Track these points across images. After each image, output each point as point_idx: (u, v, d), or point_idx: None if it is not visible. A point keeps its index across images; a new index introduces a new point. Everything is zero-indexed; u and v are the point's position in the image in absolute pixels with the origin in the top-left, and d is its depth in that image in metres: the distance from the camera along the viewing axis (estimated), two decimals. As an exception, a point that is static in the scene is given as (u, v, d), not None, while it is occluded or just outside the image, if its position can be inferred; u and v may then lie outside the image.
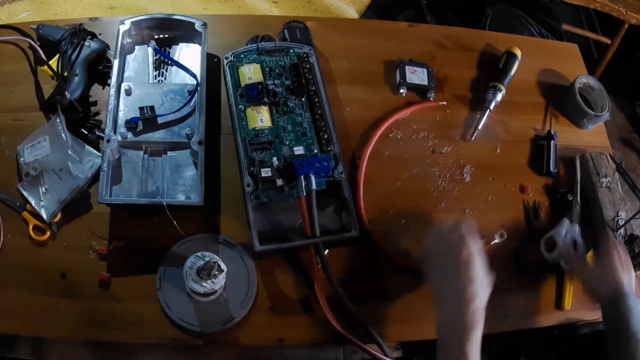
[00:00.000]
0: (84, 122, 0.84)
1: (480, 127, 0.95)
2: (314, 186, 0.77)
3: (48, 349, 0.73)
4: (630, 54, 1.84)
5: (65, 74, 0.85)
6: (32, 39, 0.88)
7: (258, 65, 0.87)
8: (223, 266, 0.70)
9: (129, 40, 0.89)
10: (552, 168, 0.93)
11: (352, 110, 0.93)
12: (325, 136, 0.82)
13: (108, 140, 0.77)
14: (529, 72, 1.04)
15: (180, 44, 0.92)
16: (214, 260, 0.70)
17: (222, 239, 0.78)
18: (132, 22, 0.87)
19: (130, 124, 0.80)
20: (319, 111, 0.84)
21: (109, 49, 0.89)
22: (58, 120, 0.80)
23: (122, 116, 0.81)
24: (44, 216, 0.76)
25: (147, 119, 0.81)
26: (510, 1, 1.49)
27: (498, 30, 1.38)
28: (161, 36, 0.91)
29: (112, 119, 0.79)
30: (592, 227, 0.90)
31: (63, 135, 0.80)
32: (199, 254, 0.71)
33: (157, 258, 0.76)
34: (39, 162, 0.78)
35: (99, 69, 0.88)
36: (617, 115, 1.89)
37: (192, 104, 0.84)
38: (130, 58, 0.89)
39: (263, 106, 0.83)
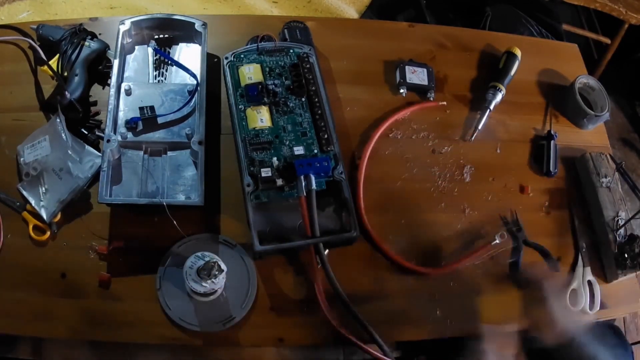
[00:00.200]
0: (84, 122, 0.84)
1: (480, 127, 0.95)
2: (314, 186, 0.77)
3: (48, 349, 0.73)
4: (630, 54, 1.84)
5: (65, 74, 0.85)
6: (32, 39, 0.88)
7: (258, 65, 0.87)
8: (223, 266, 0.70)
9: (129, 40, 0.89)
10: (552, 168, 0.93)
11: (352, 110, 0.93)
12: (325, 136, 0.82)
13: (108, 140, 0.77)
14: (529, 72, 1.04)
15: (180, 44, 0.92)
16: (214, 260, 0.70)
17: (222, 239, 0.78)
18: (132, 22, 0.87)
19: (130, 124, 0.80)
20: (319, 111, 0.84)
21: (109, 49, 0.89)
22: (58, 120, 0.80)
23: (122, 116, 0.81)
24: (44, 216, 0.76)
25: (147, 119, 0.81)
26: (510, 1, 1.49)
27: (498, 30, 1.37)
28: (161, 36, 0.91)
29: (112, 119, 0.79)
30: (592, 227, 0.90)
31: (63, 135, 0.80)
32: (199, 254, 0.71)
33: (157, 258, 0.76)
34: (39, 162, 0.78)
35: (99, 69, 0.88)
36: (617, 115, 1.88)
37: (192, 104, 0.84)
38: (130, 58, 0.89)
39: (263, 106, 0.83)
